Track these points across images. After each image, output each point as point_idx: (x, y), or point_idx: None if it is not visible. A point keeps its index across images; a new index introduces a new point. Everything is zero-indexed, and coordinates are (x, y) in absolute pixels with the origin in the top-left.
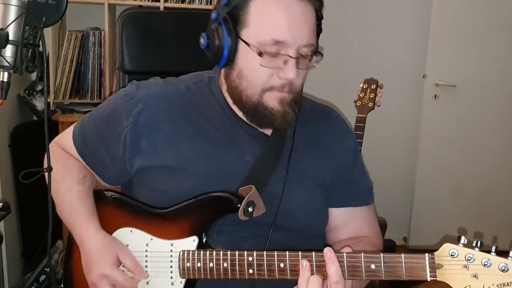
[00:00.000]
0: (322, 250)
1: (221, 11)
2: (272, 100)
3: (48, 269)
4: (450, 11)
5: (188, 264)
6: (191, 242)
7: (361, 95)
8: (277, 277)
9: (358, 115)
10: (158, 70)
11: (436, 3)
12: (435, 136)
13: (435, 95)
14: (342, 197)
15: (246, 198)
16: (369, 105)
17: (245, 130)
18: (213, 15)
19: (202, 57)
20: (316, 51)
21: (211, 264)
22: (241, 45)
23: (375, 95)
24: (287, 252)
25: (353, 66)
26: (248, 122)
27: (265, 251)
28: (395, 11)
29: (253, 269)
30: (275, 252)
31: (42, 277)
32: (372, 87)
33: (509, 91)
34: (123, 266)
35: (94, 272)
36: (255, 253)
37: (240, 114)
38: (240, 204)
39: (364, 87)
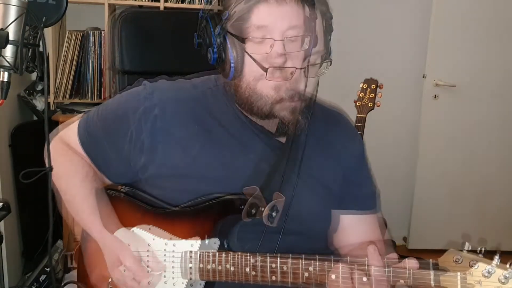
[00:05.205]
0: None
1: (224, 25)
2: (282, 111)
3: (48, 269)
4: (450, 11)
5: (208, 266)
6: (212, 244)
7: (361, 95)
8: (301, 286)
9: (358, 115)
10: (157, 70)
11: (436, 3)
12: (435, 136)
13: (435, 95)
14: (347, 200)
15: (271, 203)
16: (369, 105)
17: (260, 138)
18: (217, 30)
19: (201, 57)
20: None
21: (232, 268)
22: (247, 57)
23: (375, 95)
24: (312, 261)
25: (353, 66)
26: (262, 125)
27: (290, 259)
28: (395, 11)
29: (276, 276)
30: (300, 260)
31: (42, 277)
32: (372, 87)
33: (509, 91)
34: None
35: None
36: (279, 260)
37: (254, 119)
38: (264, 209)
39: (364, 87)
